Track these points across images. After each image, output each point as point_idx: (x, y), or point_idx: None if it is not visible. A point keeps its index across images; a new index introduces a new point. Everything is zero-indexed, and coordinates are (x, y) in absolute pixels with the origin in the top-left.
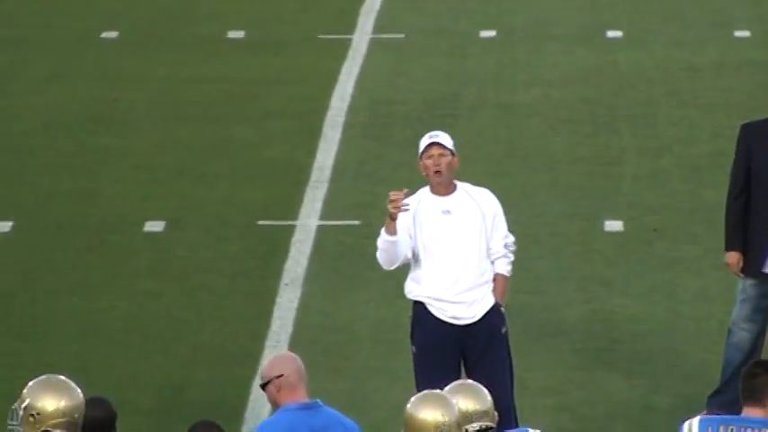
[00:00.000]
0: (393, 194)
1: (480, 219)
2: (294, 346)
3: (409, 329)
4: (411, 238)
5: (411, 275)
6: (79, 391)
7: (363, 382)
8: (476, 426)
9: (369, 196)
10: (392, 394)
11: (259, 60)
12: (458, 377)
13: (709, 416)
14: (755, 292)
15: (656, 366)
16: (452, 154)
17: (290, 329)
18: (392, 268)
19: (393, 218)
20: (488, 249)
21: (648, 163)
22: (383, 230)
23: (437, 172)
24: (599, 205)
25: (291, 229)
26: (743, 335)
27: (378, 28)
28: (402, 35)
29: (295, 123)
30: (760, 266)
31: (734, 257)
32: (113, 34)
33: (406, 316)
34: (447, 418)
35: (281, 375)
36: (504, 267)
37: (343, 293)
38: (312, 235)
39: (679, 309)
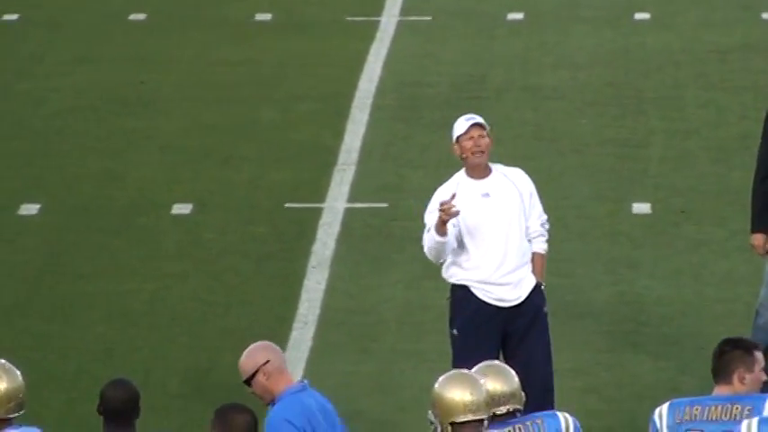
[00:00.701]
0: (444, 203)
1: (519, 199)
2: (321, 328)
3: (448, 313)
4: (455, 226)
5: (452, 260)
6: (17, 371)
7: (390, 363)
8: (503, 409)
9: (396, 178)
10: (419, 376)
11: (286, 43)
12: (497, 359)
13: (677, 399)
14: None
15: (683, 348)
16: (488, 136)
17: (317, 312)
18: (441, 261)
19: (444, 222)
20: (526, 228)
21: (676, 145)
22: (433, 231)
23: (480, 152)
24: (626, 188)
25: (319, 211)
26: None
27: (405, 10)
28: (429, 17)
29: (322, 106)
30: None
31: (759, 239)
32: (141, 16)
33: (434, 298)
34: (475, 398)
35: (267, 361)
36: (542, 246)
37: (370, 276)
38: (339, 217)
39: (706, 291)
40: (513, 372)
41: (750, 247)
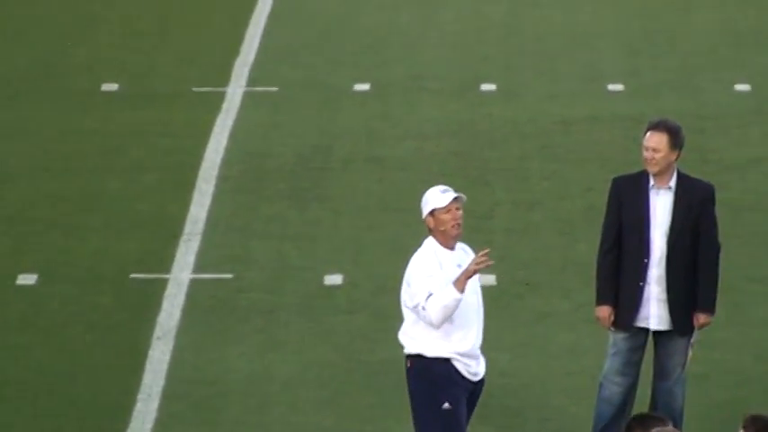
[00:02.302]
0: (482, 254)
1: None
2: (166, 399)
3: (425, 388)
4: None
5: (434, 333)
6: None
7: None
8: None
9: (242, 249)
10: None
11: (132, 113)
12: None
13: None
14: (626, 345)
15: (527, 420)
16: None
17: (161, 383)
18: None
19: (471, 276)
20: None
21: (521, 217)
22: (455, 290)
23: (458, 225)
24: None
25: (164, 282)
26: (614, 389)
27: (252, 81)
28: (276, 88)
29: (168, 176)
30: (631, 320)
31: (604, 311)
32: None
33: (278, 370)
34: None
35: None
36: None
37: (215, 347)
38: (184, 288)
39: (551, 363)
40: None
41: (595, 320)
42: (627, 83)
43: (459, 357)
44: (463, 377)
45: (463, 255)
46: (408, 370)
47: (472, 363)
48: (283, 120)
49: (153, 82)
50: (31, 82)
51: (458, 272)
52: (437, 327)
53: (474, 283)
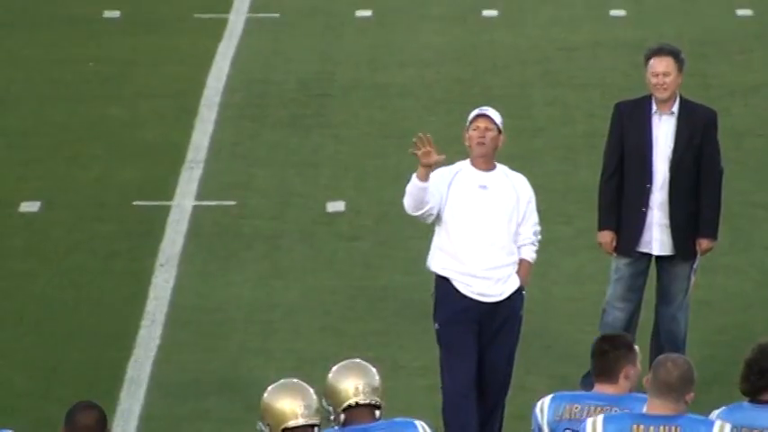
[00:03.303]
0: (416, 138)
1: (515, 200)
2: (169, 326)
3: (432, 306)
4: (443, 198)
5: (438, 246)
6: None
7: (238, 362)
8: (366, 400)
9: (244, 176)
10: (267, 374)
11: (134, 40)
12: (477, 355)
13: (561, 393)
14: (629, 271)
15: (530, 347)
16: (499, 131)
17: (165, 310)
18: (416, 214)
19: (424, 165)
20: (517, 234)
21: (523, 143)
22: (414, 175)
23: (480, 143)
24: None
25: (167, 209)
26: (617, 314)
27: (254, 7)
28: (278, 14)
29: (171, 104)
30: (633, 245)
31: (606, 236)
32: None
33: (282, 296)
34: (307, 406)
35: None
36: (531, 254)
37: (219, 274)
38: (187, 215)
39: (553, 289)
40: (376, 374)
41: (597, 245)
42: (629, 8)
43: (458, 276)
44: (467, 297)
45: (500, 179)
46: None
47: (476, 282)
48: (285, 46)
49: (155, 9)
50: (32, 9)
51: (479, 192)
52: (409, 211)
53: (488, 201)
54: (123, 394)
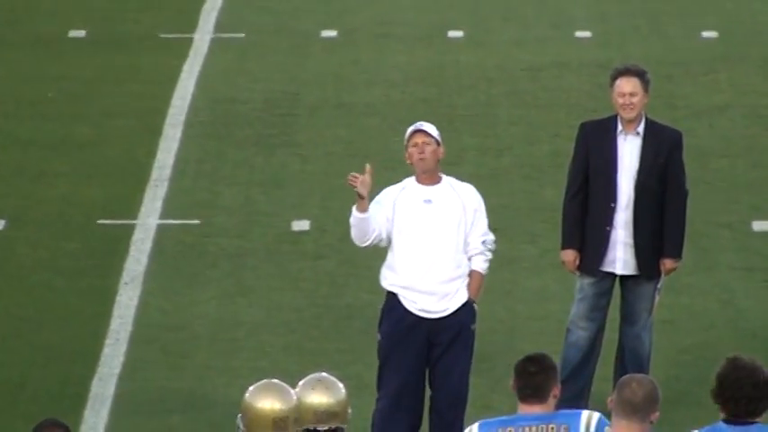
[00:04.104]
0: (351, 176)
1: (461, 211)
2: (133, 344)
3: (378, 317)
4: (389, 221)
5: (386, 263)
6: None
7: (202, 380)
8: (323, 426)
9: (209, 195)
10: (231, 393)
11: (100, 59)
12: (423, 370)
13: (488, 420)
14: (593, 290)
15: (494, 365)
16: (437, 143)
17: (129, 328)
18: (364, 245)
19: (360, 195)
20: (466, 244)
21: (488, 162)
22: (354, 207)
23: (421, 159)
24: None
25: (131, 227)
26: (581, 333)
27: (219, 27)
28: (243, 34)
29: (135, 122)
30: (597, 264)
31: (570, 255)
32: None
33: (247, 315)
34: (285, 408)
35: None
36: (481, 264)
37: (183, 292)
38: (152, 234)
39: (518, 308)
40: (341, 389)
41: (561, 264)
42: (594, 29)
43: (402, 291)
44: (411, 313)
45: (445, 191)
46: None
47: (419, 298)
48: (251, 66)
49: (120, 28)
50: None
51: (423, 207)
52: (356, 243)
53: (431, 215)
54: (87, 412)
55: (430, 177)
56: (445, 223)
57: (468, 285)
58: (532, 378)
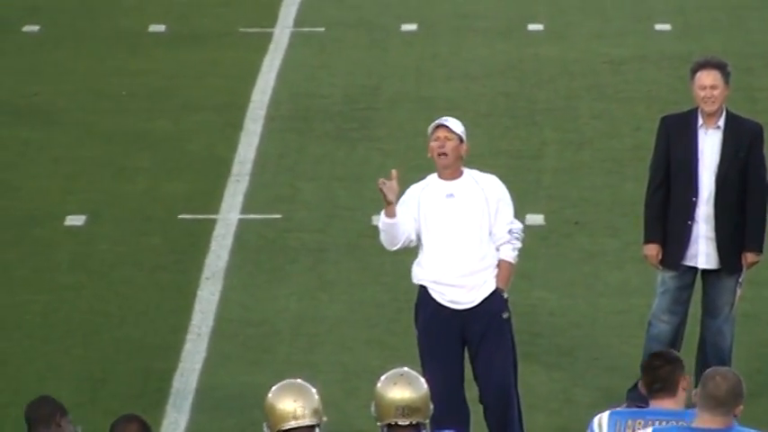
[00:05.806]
0: (380, 181)
1: (483, 203)
2: (214, 339)
3: (413, 313)
4: (416, 221)
5: (417, 260)
6: None
7: (283, 375)
8: (404, 421)
9: (289, 190)
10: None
11: (180, 54)
12: (461, 361)
13: (618, 410)
14: (675, 284)
15: (576, 359)
16: (460, 140)
17: (210, 323)
18: (394, 249)
19: (388, 201)
20: (492, 235)
21: (569, 156)
22: (383, 212)
23: (441, 154)
24: (520, 199)
25: (212, 222)
26: (663, 327)
27: (299, 21)
28: (323, 29)
29: (216, 117)
30: (679, 258)
31: (652, 249)
32: (35, 28)
33: (327, 310)
34: (303, 406)
35: None
36: (509, 254)
37: (264, 287)
38: (233, 229)
39: (599, 302)
40: (423, 384)
41: (643, 258)
42: (674, 22)
43: (432, 285)
44: (442, 305)
45: (467, 185)
46: None
47: (448, 291)
48: (330, 60)
49: (200, 23)
50: (78, 23)
51: (446, 202)
52: (387, 247)
53: (454, 209)
54: (169, 408)
55: (451, 172)
56: (468, 217)
57: (497, 275)
58: (658, 371)
